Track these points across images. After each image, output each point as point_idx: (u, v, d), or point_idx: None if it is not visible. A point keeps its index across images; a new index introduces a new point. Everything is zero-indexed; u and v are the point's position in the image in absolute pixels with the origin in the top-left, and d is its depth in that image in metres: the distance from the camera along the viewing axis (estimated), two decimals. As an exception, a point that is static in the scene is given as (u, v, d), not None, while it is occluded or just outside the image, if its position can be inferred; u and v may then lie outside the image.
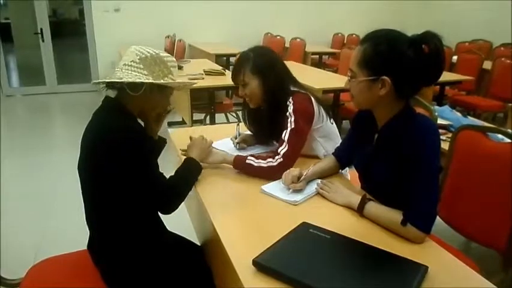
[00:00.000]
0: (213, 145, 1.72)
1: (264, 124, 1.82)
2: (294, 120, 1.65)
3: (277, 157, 1.61)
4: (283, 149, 1.62)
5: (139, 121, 1.46)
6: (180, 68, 4.23)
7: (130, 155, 1.29)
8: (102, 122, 1.38)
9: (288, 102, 1.69)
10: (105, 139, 1.33)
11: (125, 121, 1.36)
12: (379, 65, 1.25)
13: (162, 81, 1.38)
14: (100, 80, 1.38)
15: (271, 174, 1.57)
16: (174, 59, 1.44)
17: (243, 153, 1.66)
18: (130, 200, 1.35)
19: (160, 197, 1.36)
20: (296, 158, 1.65)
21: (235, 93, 4.47)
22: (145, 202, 1.36)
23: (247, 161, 1.62)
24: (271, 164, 1.60)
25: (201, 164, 1.58)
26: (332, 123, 1.87)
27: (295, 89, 1.75)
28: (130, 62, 1.37)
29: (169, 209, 1.42)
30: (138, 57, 1.36)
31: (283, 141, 1.64)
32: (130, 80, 1.32)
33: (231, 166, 1.66)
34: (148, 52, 1.38)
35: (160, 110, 1.51)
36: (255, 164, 1.60)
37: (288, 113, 1.67)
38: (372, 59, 1.26)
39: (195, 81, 1.58)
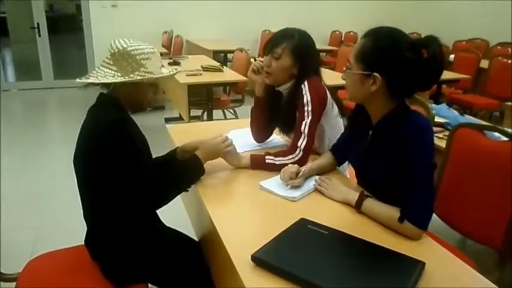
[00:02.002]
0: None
1: (282, 108, 1.77)
2: (311, 109, 1.63)
3: (297, 151, 1.62)
4: (302, 143, 1.62)
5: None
6: (177, 63, 4.22)
7: (113, 148, 1.29)
8: (93, 115, 1.40)
9: (302, 86, 1.66)
10: (92, 132, 1.35)
11: (113, 113, 1.36)
12: (373, 61, 1.26)
13: (120, 78, 1.35)
14: (79, 80, 1.41)
15: None
16: (149, 49, 1.40)
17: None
18: (119, 194, 1.34)
19: (140, 196, 1.33)
20: (312, 148, 1.66)
21: (233, 89, 4.47)
22: (127, 198, 1.33)
23: (267, 161, 1.62)
24: (292, 160, 1.61)
25: (204, 167, 1.50)
26: (341, 117, 1.85)
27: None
28: (105, 58, 1.39)
29: (149, 209, 1.43)
30: (109, 53, 1.38)
31: (302, 133, 1.63)
32: (97, 81, 1.35)
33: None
34: (118, 47, 1.36)
35: (141, 102, 1.48)
36: (277, 163, 1.61)
37: (304, 101, 1.64)
38: (369, 54, 1.26)
39: (165, 72, 1.45)
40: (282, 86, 1.75)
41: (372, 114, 1.38)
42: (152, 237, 1.48)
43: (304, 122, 1.64)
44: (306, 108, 1.64)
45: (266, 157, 1.63)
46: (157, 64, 1.42)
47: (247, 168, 1.64)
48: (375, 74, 1.25)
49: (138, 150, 1.37)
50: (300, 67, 1.68)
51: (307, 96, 1.64)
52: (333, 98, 1.78)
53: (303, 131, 1.63)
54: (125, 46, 1.36)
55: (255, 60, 1.82)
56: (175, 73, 1.52)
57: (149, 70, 1.38)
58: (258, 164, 1.63)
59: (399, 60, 1.23)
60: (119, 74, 1.36)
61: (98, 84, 1.38)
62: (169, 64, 4.15)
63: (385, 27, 1.29)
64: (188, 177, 1.47)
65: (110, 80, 1.35)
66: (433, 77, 1.26)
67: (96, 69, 1.40)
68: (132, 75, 1.36)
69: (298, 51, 1.67)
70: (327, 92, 1.74)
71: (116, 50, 1.37)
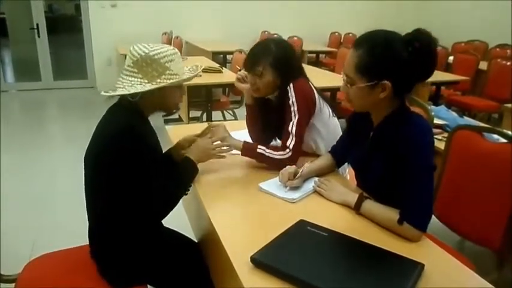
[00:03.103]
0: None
1: (272, 117, 1.78)
2: (297, 109, 1.65)
3: (286, 151, 1.63)
4: (291, 142, 1.63)
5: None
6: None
7: (126, 151, 1.29)
8: (110, 118, 1.39)
9: (288, 89, 1.67)
10: (107, 132, 1.34)
11: (130, 120, 1.35)
12: (377, 71, 1.25)
13: (148, 85, 1.33)
14: (106, 94, 1.38)
15: (280, 166, 1.56)
16: (171, 50, 1.38)
17: None
18: (126, 197, 1.33)
19: (151, 203, 1.34)
20: (301, 146, 1.68)
21: (233, 91, 4.47)
22: (136, 203, 1.33)
23: (258, 150, 1.64)
24: (281, 157, 1.62)
25: (197, 167, 1.52)
26: (334, 116, 1.86)
27: None
28: (127, 66, 1.37)
29: (158, 217, 1.42)
30: (131, 61, 1.35)
31: (290, 133, 1.64)
32: (126, 92, 1.32)
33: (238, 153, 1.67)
34: (139, 53, 1.34)
35: (169, 106, 1.48)
36: (266, 154, 1.63)
37: (290, 102, 1.65)
38: (370, 65, 1.25)
39: (192, 73, 1.46)
40: (270, 95, 1.77)
41: (374, 116, 1.39)
42: (152, 238, 1.48)
43: (291, 122, 1.65)
44: (292, 108, 1.65)
45: (258, 146, 1.65)
46: (180, 65, 1.41)
47: (238, 154, 1.66)
48: (384, 82, 1.24)
49: (152, 153, 1.36)
50: (282, 77, 1.68)
51: (292, 97, 1.66)
52: (323, 98, 1.79)
53: (290, 131, 1.64)
54: (146, 51, 1.33)
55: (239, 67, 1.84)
56: (199, 71, 1.52)
57: (174, 72, 1.37)
58: (249, 151, 1.66)
59: (399, 61, 1.23)
60: (146, 81, 1.34)
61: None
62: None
63: (376, 33, 1.28)
64: (184, 182, 1.47)
65: (139, 89, 1.32)
66: (430, 65, 1.25)
67: (120, 79, 1.37)
68: (159, 80, 1.34)
69: (278, 63, 1.66)
70: (314, 90, 1.75)
71: (138, 57, 1.34)
